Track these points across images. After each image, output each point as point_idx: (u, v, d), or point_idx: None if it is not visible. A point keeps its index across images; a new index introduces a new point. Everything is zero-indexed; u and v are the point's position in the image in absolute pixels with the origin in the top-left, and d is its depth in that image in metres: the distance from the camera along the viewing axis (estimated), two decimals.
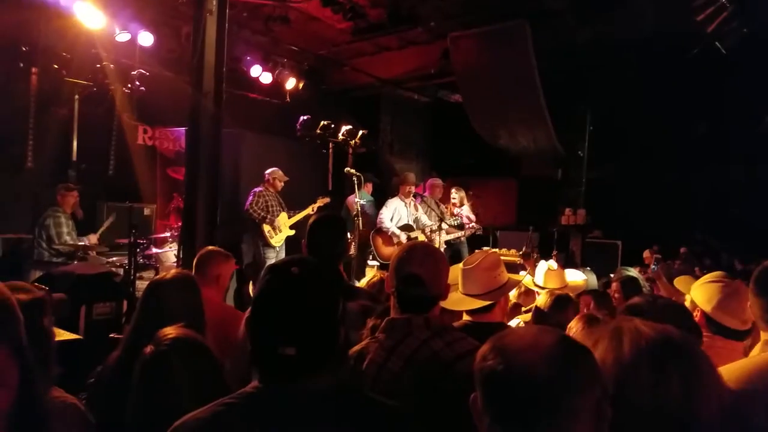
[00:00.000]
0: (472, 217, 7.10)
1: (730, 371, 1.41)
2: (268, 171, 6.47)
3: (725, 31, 6.05)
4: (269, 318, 1.13)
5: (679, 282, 2.71)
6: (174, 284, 2.14)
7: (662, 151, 7.79)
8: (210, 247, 3.10)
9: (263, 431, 1.07)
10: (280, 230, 6.31)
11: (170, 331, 1.68)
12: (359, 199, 6.11)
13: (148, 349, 1.64)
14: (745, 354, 1.92)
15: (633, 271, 4.63)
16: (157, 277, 2.27)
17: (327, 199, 6.70)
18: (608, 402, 0.88)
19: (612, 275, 4.86)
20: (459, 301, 2.27)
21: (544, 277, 3.43)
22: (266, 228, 6.20)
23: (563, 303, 2.70)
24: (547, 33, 6.93)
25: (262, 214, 6.23)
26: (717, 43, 6.21)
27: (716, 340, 1.98)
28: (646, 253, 6.98)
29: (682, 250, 7.14)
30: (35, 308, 1.40)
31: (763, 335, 1.52)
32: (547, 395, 0.84)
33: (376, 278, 2.97)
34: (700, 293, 2.08)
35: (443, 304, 1.91)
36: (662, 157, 7.79)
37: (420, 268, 1.72)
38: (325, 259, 2.39)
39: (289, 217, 6.45)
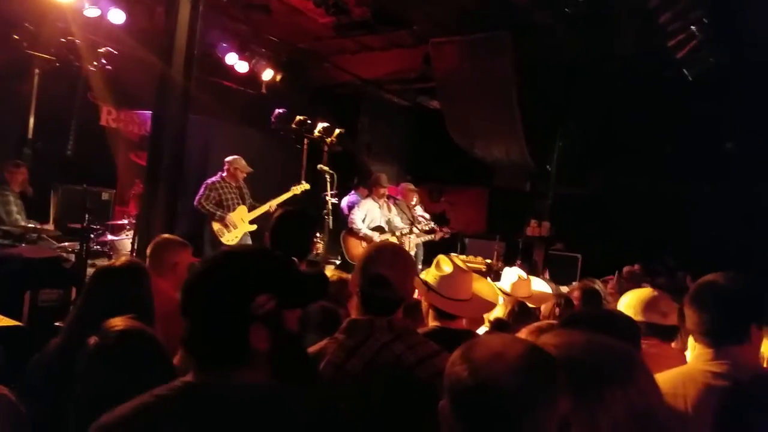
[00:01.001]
0: (427, 216, 7.06)
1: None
2: (228, 159, 5.92)
3: (693, 59, 6.26)
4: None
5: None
6: (123, 272, 2.05)
7: (629, 169, 7.97)
8: (166, 235, 2.93)
9: (186, 426, 1.05)
10: (235, 226, 5.72)
11: (118, 323, 1.60)
12: (331, 198, 5.95)
13: (93, 340, 1.57)
14: (680, 358, 2.02)
15: (598, 284, 4.70)
16: (106, 263, 2.12)
17: (306, 186, 6.16)
18: (598, 421, 0.87)
19: (574, 284, 4.93)
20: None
21: (511, 286, 3.38)
22: (215, 226, 5.62)
23: (524, 313, 2.68)
24: (528, 47, 7.03)
25: (211, 209, 5.65)
26: (684, 69, 6.42)
27: (651, 345, 2.10)
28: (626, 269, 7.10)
29: (635, 267, 7.31)
30: None
31: (698, 348, 1.58)
32: (513, 406, 0.84)
33: (334, 277, 2.86)
34: (624, 307, 2.25)
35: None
36: (629, 174, 7.98)
37: (388, 269, 1.68)
38: (287, 254, 2.28)
39: (249, 210, 5.92)
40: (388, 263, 1.69)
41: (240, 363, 1.10)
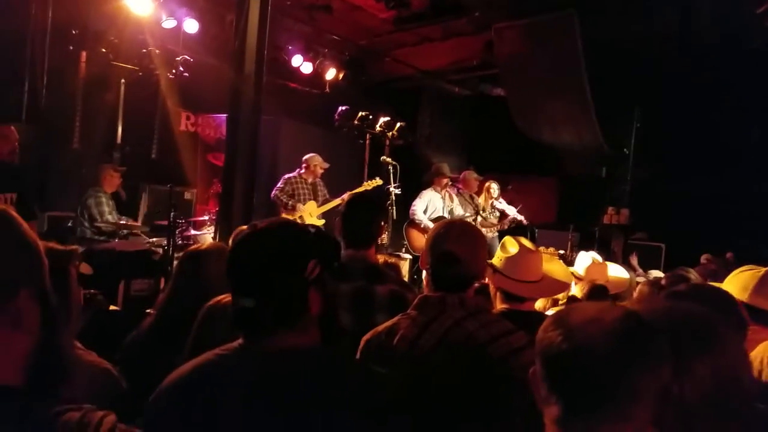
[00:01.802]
0: (511, 210, 6.90)
1: None
2: (306, 156, 6.30)
3: None
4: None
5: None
6: (210, 254, 2.14)
7: (713, 154, 7.42)
8: (243, 227, 3.09)
9: (241, 386, 1.08)
10: (303, 220, 5.97)
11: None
12: (394, 189, 6.05)
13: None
14: None
15: (693, 273, 4.42)
16: (193, 247, 2.28)
17: (378, 181, 6.29)
18: (684, 390, 0.83)
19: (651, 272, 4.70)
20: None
21: (585, 270, 3.28)
22: (285, 216, 6.07)
23: (599, 293, 2.59)
24: (596, 25, 6.69)
25: (284, 199, 6.07)
26: None
27: (759, 331, 1.90)
28: (704, 258, 6.69)
29: (728, 255, 6.83)
30: (63, 257, 1.40)
31: None
32: (607, 371, 0.80)
33: (381, 261, 2.86)
34: (733, 285, 2.04)
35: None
36: (713, 159, 7.42)
37: (457, 245, 1.66)
38: (357, 240, 2.33)
39: (320, 206, 6.22)
40: (456, 240, 1.68)
41: (293, 328, 1.13)
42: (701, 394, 0.81)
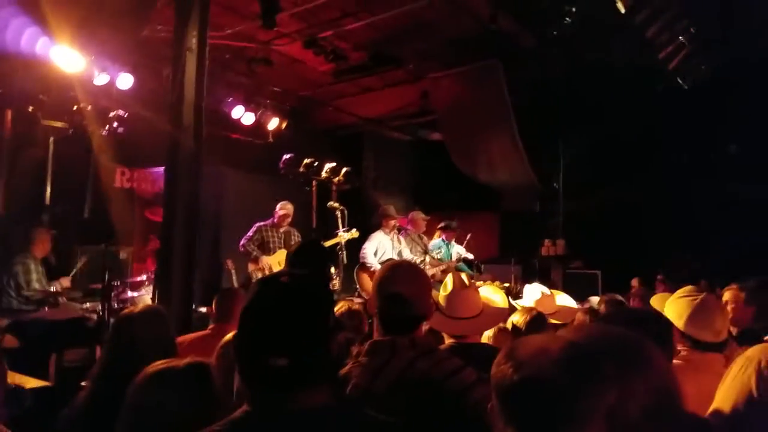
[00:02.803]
0: (466, 254, 7.04)
1: None
2: (278, 204, 6.28)
3: (686, 69, 6.36)
4: (258, 327, 1.08)
5: (654, 301, 2.68)
6: (143, 317, 2.07)
7: (637, 180, 7.95)
8: (225, 287, 3.03)
9: None
10: (270, 269, 5.89)
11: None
12: (343, 234, 6.03)
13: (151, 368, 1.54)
14: (726, 365, 1.92)
15: (619, 298, 4.65)
16: (126, 310, 2.17)
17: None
18: (627, 407, 0.85)
19: (598, 297, 4.89)
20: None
21: (536, 303, 3.37)
22: (250, 267, 5.96)
23: (539, 322, 2.68)
24: (520, 70, 7.20)
25: (249, 249, 5.98)
26: (679, 79, 6.51)
27: (694, 353, 2.01)
28: (634, 282, 7.00)
29: (658, 276, 7.22)
30: None
31: None
32: (558, 398, 0.84)
33: (344, 308, 2.86)
34: (671, 310, 2.11)
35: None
36: (637, 185, 7.95)
37: (404, 286, 1.67)
38: None
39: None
40: (403, 281, 1.69)
41: (317, 383, 1.08)
42: (643, 410, 0.84)
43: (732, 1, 5.74)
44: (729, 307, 3.02)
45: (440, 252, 6.72)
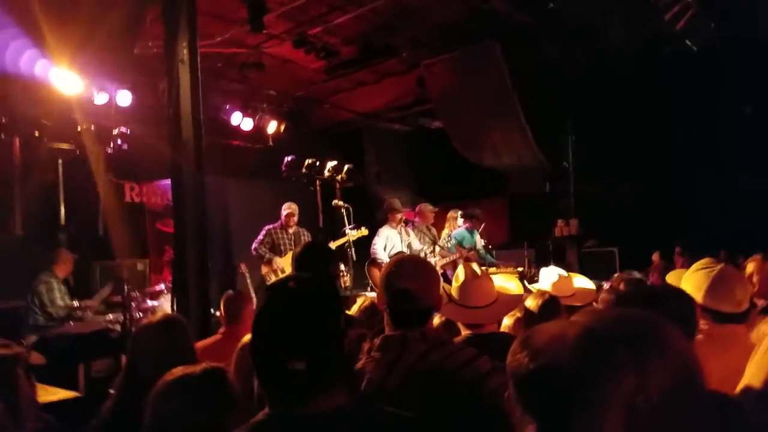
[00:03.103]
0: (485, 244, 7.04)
1: None
2: (283, 206, 6.38)
3: (694, 29, 6.20)
4: (273, 333, 1.10)
5: (670, 277, 2.62)
6: (161, 327, 2.14)
7: (648, 156, 7.87)
8: (230, 291, 3.14)
9: None
10: (283, 271, 6.00)
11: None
12: (350, 231, 6.12)
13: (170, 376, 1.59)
14: (749, 336, 1.90)
15: (637, 275, 4.53)
16: (144, 321, 2.26)
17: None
18: (646, 392, 0.84)
19: (615, 275, 4.83)
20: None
21: (553, 286, 3.30)
22: (263, 269, 6.10)
23: (553, 305, 2.68)
24: (520, 49, 7.08)
25: (261, 252, 6.09)
26: (687, 41, 6.37)
27: (715, 327, 1.95)
28: (655, 256, 6.94)
29: (676, 249, 7.16)
30: (7, 362, 1.38)
31: None
32: (575, 385, 0.83)
33: (366, 302, 2.93)
34: (689, 284, 2.05)
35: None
36: (649, 161, 7.87)
37: (411, 281, 1.68)
38: None
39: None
40: (410, 276, 1.69)
41: (335, 385, 1.10)
42: (662, 394, 0.83)
43: None
44: (754, 279, 2.94)
45: (466, 241, 6.74)
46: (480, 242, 6.97)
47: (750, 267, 3.06)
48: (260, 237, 6.20)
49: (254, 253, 6.17)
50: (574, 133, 8.54)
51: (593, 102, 7.68)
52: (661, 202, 7.78)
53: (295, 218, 6.38)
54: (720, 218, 7.22)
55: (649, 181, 7.93)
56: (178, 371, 1.59)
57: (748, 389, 1.44)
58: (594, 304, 3.17)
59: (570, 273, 3.53)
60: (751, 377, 1.45)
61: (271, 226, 6.30)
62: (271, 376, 1.10)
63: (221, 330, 3.02)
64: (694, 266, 2.12)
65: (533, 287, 3.50)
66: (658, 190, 7.87)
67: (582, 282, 3.52)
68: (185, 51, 4.11)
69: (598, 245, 8.18)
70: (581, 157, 8.53)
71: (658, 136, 7.82)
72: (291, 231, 6.34)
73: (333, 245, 6.08)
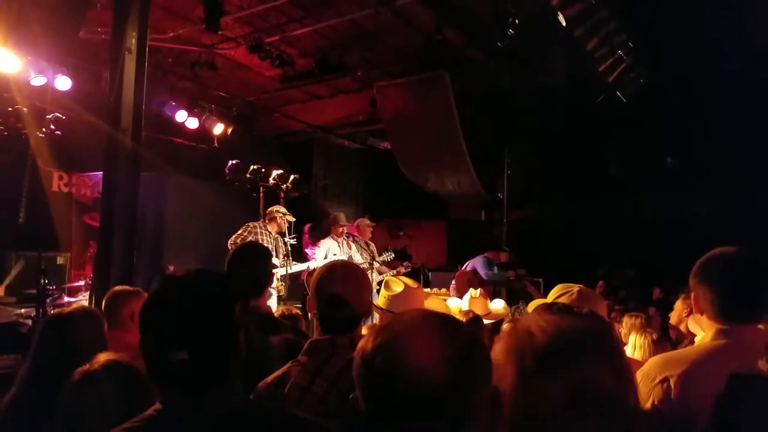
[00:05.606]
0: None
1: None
2: (271, 208, 6.09)
3: (624, 82, 6.71)
4: (155, 321, 1.07)
5: (532, 306, 2.79)
6: (77, 317, 2.05)
7: (578, 190, 8.34)
8: (116, 288, 2.86)
9: None
10: None
11: (102, 356, 1.62)
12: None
13: (79, 370, 1.56)
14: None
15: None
16: (56, 311, 2.15)
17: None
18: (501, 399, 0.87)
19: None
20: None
21: (468, 303, 3.58)
22: None
23: (475, 325, 2.84)
24: (467, 82, 7.40)
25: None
26: (617, 92, 6.88)
27: None
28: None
29: (599, 283, 7.56)
30: None
31: (713, 325, 1.54)
32: (444, 394, 0.84)
33: (279, 312, 2.91)
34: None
35: None
36: (578, 195, 8.34)
37: (342, 287, 1.68)
38: (243, 288, 2.32)
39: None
40: (341, 281, 1.70)
41: (226, 381, 1.07)
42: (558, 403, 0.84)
43: (666, 16, 6.05)
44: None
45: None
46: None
47: (678, 304, 3.51)
48: (239, 231, 5.75)
49: (229, 247, 5.72)
50: (511, 167, 8.94)
51: (532, 136, 8.13)
52: (588, 237, 8.22)
53: (285, 225, 6.02)
54: (642, 260, 7.69)
55: (580, 215, 8.40)
56: (81, 368, 1.57)
57: None
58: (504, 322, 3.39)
59: (487, 297, 3.92)
60: None
61: (253, 223, 5.93)
62: (156, 366, 1.06)
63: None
64: (553, 292, 2.15)
65: (456, 306, 3.69)
66: (586, 226, 8.33)
67: (498, 305, 3.94)
68: (134, 40, 4.03)
69: (526, 275, 8.53)
70: (516, 189, 8.93)
71: (592, 175, 8.31)
72: (274, 233, 5.96)
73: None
